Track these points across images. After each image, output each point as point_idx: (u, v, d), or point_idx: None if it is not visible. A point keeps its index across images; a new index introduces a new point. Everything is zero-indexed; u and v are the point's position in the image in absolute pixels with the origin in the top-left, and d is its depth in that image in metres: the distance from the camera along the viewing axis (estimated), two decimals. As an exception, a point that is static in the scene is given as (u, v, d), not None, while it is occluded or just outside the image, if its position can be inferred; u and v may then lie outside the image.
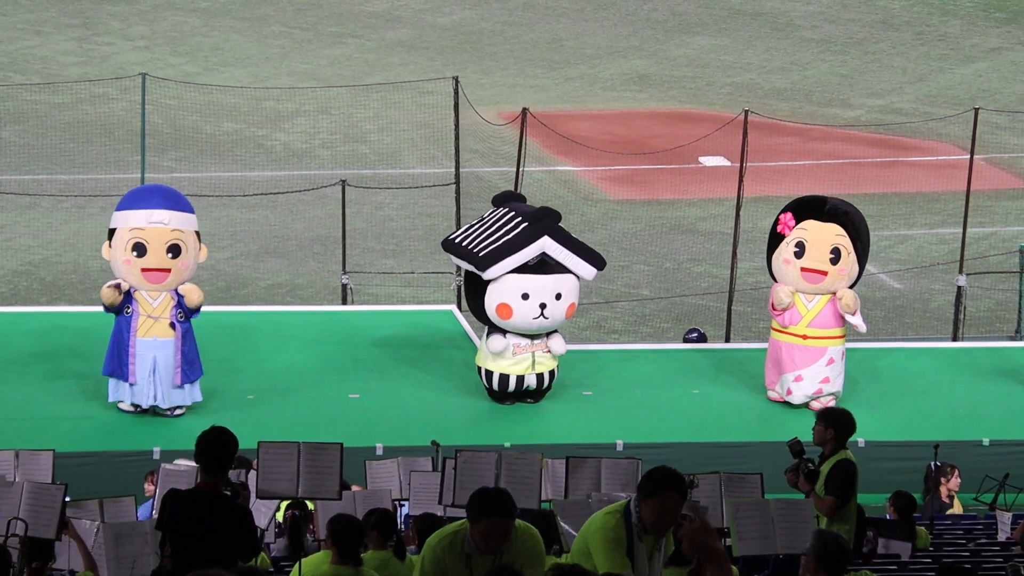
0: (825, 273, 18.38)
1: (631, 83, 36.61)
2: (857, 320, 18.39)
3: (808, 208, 18.56)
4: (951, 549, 13.66)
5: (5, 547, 9.80)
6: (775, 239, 18.62)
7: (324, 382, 18.98)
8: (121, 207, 17.81)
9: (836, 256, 18.37)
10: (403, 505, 13.69)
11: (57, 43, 37.17)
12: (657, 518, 8.25)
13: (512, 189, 21.96)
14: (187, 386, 17.64)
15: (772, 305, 18.61)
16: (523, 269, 18.07)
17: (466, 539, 8.38)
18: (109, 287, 17.36)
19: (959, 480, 16.21)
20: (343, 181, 23.06)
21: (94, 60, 36.05)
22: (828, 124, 32.79)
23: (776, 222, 18.70)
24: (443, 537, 8.43)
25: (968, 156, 23.46)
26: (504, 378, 18.26)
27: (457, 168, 23.33)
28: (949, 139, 31.59)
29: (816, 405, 18.57)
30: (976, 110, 23.39)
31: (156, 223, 17.45)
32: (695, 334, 21.46)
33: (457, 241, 18.79)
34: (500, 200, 18.98)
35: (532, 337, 18.25)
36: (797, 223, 18.41)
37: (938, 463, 16.13)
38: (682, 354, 20.69)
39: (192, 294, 17.51)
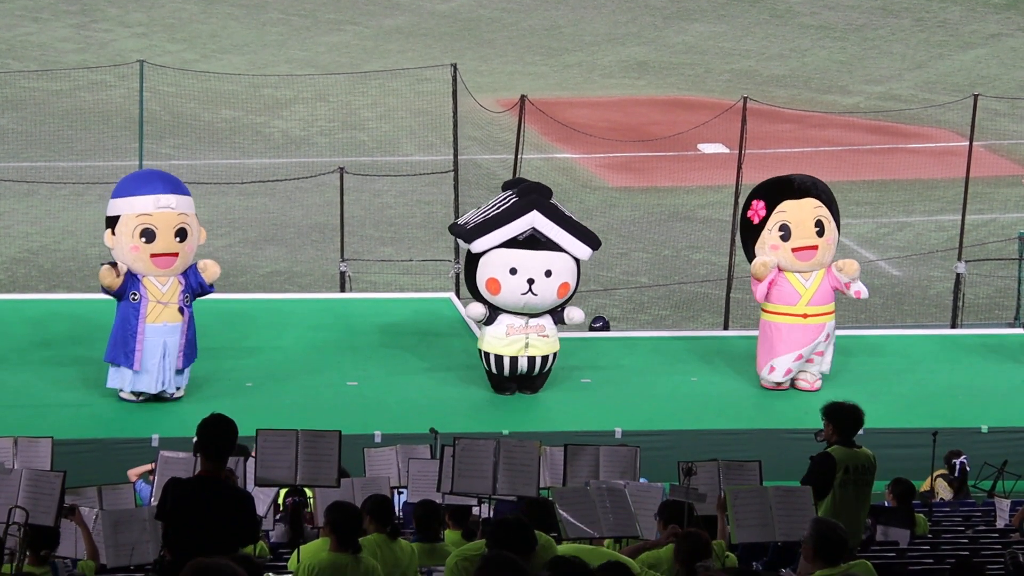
0: (816, 247, 18.49)
1: (629, 70, 36.57)
2: (860, 286, 18.52)
3: (778, 190, 18.62)
4: (950, 536, 13.66)
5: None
6: (752, 229, 18.62)
7: (322, 369, 18.98)
8: (121, 194, 17.73)
9: (820, 229, 18.50)
10: (402, 493, 13.69)
11: (55, 30, 37.12)
12: None
13: (513, 177, 21.93)
14: (186, 369, 17.70)
15: (754, 279, 18.59)
16: (513, 244, 18.02)
17: None
18: (107, 268, 17.33)
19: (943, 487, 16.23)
20: (341, 168, 23.04)
21: (92, 47, 36.00)
22: (827, 111, 32.77)
23: (746, 209, 18.73)
24: (462, 559, 8.39)
25: (967, 143, 23.44)
26: (499, 359, 18.24)
27: (455, 155, 23.31)
28: (948, 126, 31.57)
29: (803, 384, 18.62)
30: (975, 97, 23.36)
31: (164, 208, 17.45)
32: (600, 323, 21.47)
33: (459, 222, 18.81)
34: (509, 186, 18.91)
35: (528, 319, 18.19)
36: (771, 208, 18.45)
37: (963, 460, 16.11)
38: (680, 342, 20.68)
39: (212, 268, 17.56)
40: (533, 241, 18.00)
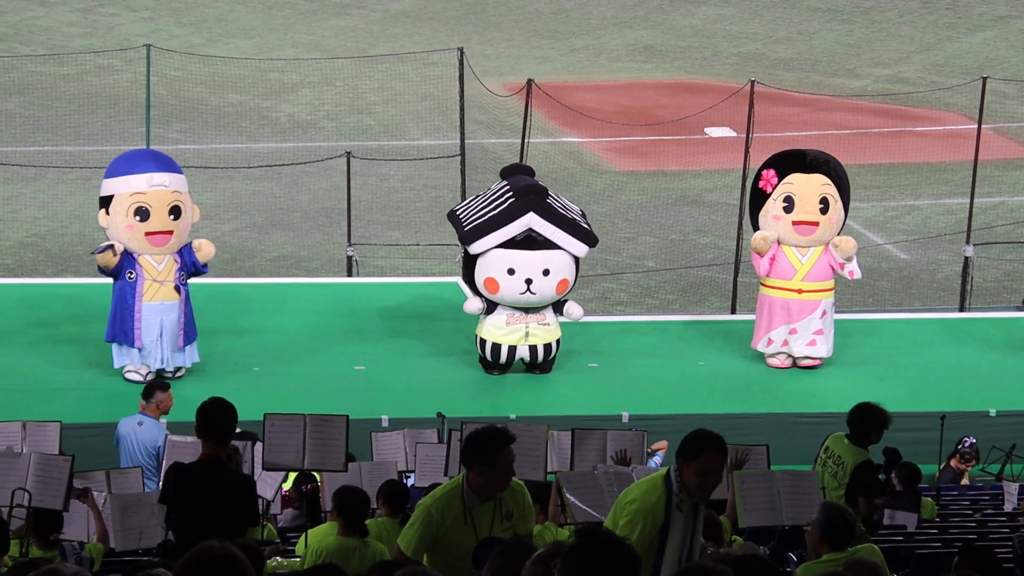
0: (817, 224, 18.47)
1: (636, 54, 36.51)
2: (853, 266, 18.51)
3: (790, 162, 18.62)
4: (957, 520, 13.65)
5: (2, 518, 9.79)
6: (759, 196, 18.67)
7: (329, 354, 18.98)
8: (114, 173, 17.70)
9: (825, 206, 18.47)
10: (409, 477, 13.70)
11: (61, 14, 37.11)
12: (701, 481, 8.14)
13: (519, 161, 21.90)
14: (188, 347, 17.71)
15: (754, 254, 18.64)
16: (510, 244, 18.01)
17: (465, 492, 8.31)
18: (103, 251, 17.34)
19: (971, 466, 16.19)
20: (348, 153, 23.01)
21: (98, 31, 35.99)
22: (835, 94, 32.71)
23: (758, 179, 18.75)
24: (439, 497, 8.30)
25: (976, 126, 23.38)
26: (496, 348, 18.23)
27: (462, 140, 23.28)
28: (956, 109, 31.51)
29: (806, 363, 18.68)
30: (984, 79, 23.29)
31: (158, 186, 17.45)
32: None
33: (457, 213, 18.79)
34: (507, 173, 18.92)
35: (528, 310, 18.20)
36: (780, 178, 18.46)
37: (968, 444, 16.08)
38: (687, 326, 20.67)
39: (207, 248, 17.58)
40: (530, 241, 18.00)
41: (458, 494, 8.29)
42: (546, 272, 18.01)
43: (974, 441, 16.10)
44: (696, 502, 8.21)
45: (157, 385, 15.21)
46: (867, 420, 11.78)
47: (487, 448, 8.26)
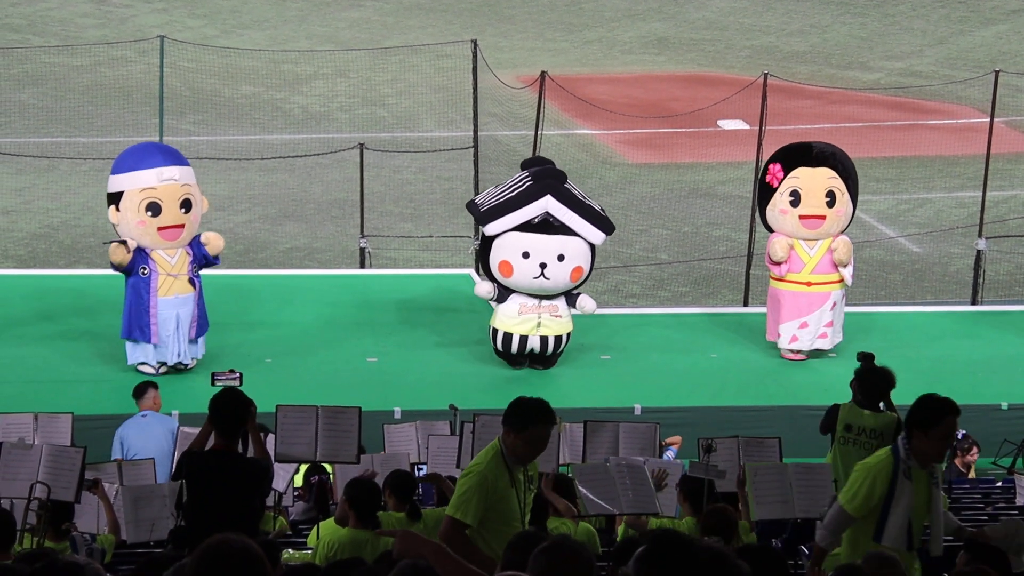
0: (823, 217, 18.50)
1: (650, 46, 36.49)
2: (847, 272, 18.55)
3: (795, 156, 18.66)
4: (969, 513, 13.64)
5: (9, 511, 9.82)
6: (766, 191, 18.73)
7: (342, 346, 19.01)
8: (122, 169, 17.63)
9: (831, 199, 18.49)
10: (421, 469, 13.73)
11: (75, 5, 37.15)
12: (940, 446, 8.53)
13: (533, 154, 21.90)
14: (200, 340, 17.76)
15: (769, 258, 18.74)
16: (526, 228, 17.99)
17: (506, 456, 8.35)
18: (116, 245, 17.37)
19: (976, 454, 16.17)
20: (361, 144, 23.03)
21: (112, 22, 36.03)
22: (847, 87, 32.65)
23: (764, 173, 18.78)
24: (487, 462, 8.24)
25: (988, 119, 23.34)
26: (508, 337, 18.23)
27: (475, 131, 23.28)
28: (969, 102, 31.43)
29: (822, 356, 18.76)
30: (996, 73, 23.24)
31: (168, 180, 17.44)
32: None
33: (476, 201, 18.81)
34: (527, 164, 18.90)
35: (541, 299, 18.18)
36: (787, 172, 18.49)
37: (959, 435, 16.08)
38: (700, 318, 20.67)
39: (216, 241, 17.57)
40: (546, 225, 17.97)
41: (500, 458, 8.32)
42: (561, 257, 17.98)
43: (964, 432, 16.10)
44: (931, 470, 8.57)
45: (150, 383, 15.40)
46: (884, 380, 11.80)
47: (522, 416, 8.43)
